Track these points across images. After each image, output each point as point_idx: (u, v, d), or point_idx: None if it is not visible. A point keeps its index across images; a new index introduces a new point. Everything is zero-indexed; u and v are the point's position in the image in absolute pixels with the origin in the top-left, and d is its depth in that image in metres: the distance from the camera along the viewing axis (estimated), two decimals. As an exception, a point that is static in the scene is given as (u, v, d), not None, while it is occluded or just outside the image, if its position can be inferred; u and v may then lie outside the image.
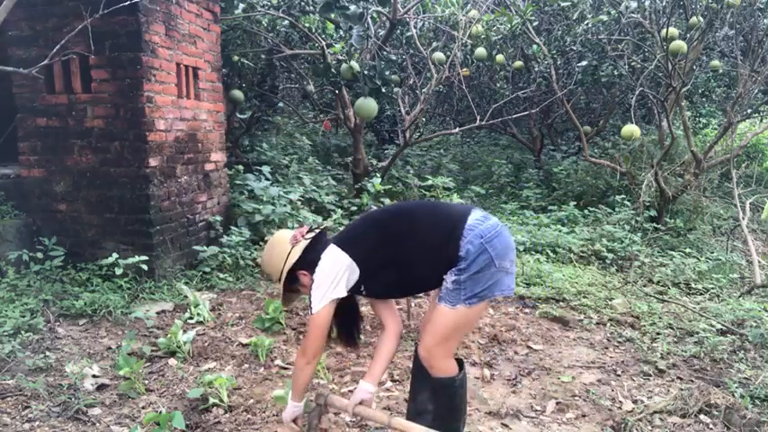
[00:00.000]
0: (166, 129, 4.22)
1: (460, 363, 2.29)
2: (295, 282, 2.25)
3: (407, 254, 2.14)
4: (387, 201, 6.01)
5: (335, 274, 2.14)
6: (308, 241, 2.23)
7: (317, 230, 2.30)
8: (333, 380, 2.96)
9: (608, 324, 3.82)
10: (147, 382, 2.87)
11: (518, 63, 7.61)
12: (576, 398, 2.86)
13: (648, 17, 5.99)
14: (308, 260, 2.19)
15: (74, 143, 4.11)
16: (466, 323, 2.18)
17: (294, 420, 2.35)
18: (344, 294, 2.17)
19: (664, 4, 6.16)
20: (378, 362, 2.33)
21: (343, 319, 2.35)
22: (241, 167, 5.62)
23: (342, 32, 6.78)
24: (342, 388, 2.89)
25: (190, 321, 3.62)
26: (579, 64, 7.11)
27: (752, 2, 6.72)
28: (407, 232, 2.17)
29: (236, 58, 5.85)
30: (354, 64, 5.39)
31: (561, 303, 4.15)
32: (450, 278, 2.10)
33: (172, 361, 3.11)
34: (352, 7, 5.12)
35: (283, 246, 2.24)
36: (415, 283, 2.26)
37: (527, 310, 4.07)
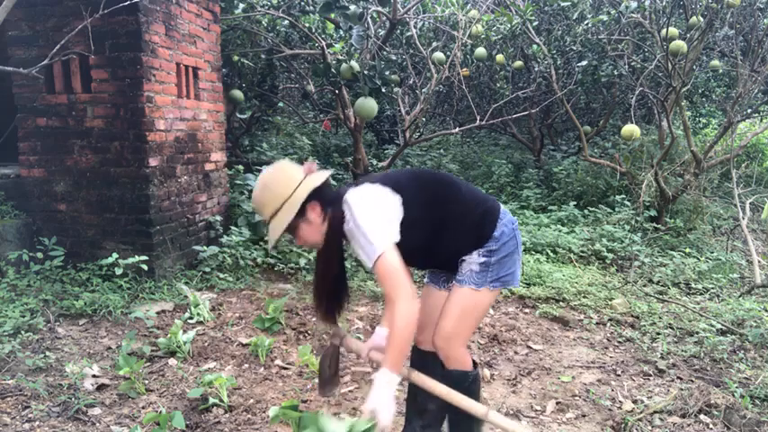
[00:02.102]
0: (166, 129, 4.22)
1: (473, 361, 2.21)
2: (300, 215, 1.91)
3: (446, 219, 2.01)
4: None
5: (387, 210, 1.92)
6: (329, 174, 1.99)
7: (328, 171, 2.03)
8: (333, 380, 2.96)
9: (608, 324, 3.82)
10: (147, 382, 2.87)
11: (518, 63, 7.61)
12: (576, 398, 2.86)
13: (648, 17, 5.99)
14: (325, 194, 1.94)
15: (74, 143, 4.11)
16: (484, 308, 2.11)
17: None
18: (398, 239, 1.88)
19: (664, 4, 6.16)
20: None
21: (332, 287, 2.10)
22: (241, 167, 5.62)
23: (342, 32, 6.78)
24: (342, 388, 2.89)
25: (190, 321, 3.62)
26: (579, 64, 7.11)
27: (752, 2, 6.72)
28: (452, 197, 2.05)
29: (236, 58, 5.85)
30: (354, 64, 5.39)
31: (561, 303, 4.15)
32: (477, 259, 2.03)
33: (172, 361, 3.11)
34: (352, 7, 5.12)
35: (293, 173, 1.94)
36: (437, 254, 2.09)
37: (527, 310, 4.07)
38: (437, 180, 2.11)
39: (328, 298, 2.11)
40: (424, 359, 2.24)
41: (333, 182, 6.44)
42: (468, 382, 2.12)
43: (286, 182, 1.91)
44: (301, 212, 1.90)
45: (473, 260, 2.04)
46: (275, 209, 1.90)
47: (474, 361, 2.19)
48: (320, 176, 1.94)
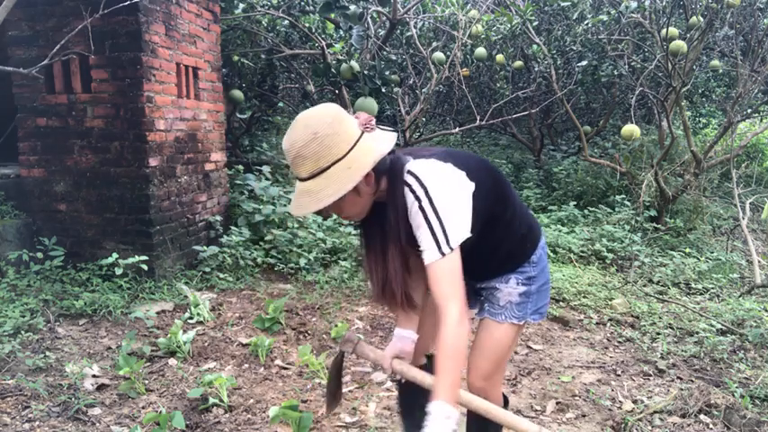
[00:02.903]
0: (166, 129, 4.22)
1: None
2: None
3: (499, 223, 1.72)
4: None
5: (465, 198, 1.57)
6: (395, 136, 1.58)
7: (390, 128, 1.63)
8: (333, 380, 2.96)
9: (608, 324, 3.82)
10: (147, 382, 2.87)
11: (518, 63, 7.61)
12: (576, 398, 2.86)
13: (648, 17, 5.99)
14: (381, 161, 1.52)
15: (74, 143, 4.11)
16: (518, 339, 1.92)
17: None
18: (469, 235, 1.55)
19: (664, 4, 6.16)
20: (416, 311, 1.85)
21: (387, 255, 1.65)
22: (241, 167, 5.62)
23: (342, 32, 6.78)
24: (343, 388, 2.89)
25: (190, 321, 3.62)
26: (579, 64, 7.11)
27: (752, 2, 6.72)
28: (511, 200, 1.77)
29: (236, 58, 5.85)
30: (354, 64, 5.39)
31: (561, 303, 4.15)
32: (516, 288, 1.78)
33: (172, 361, 3.11)
34: (352, 7, 5.12)
35: (353, 126, 1.51)
36: (476, 259, 1.70)
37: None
38: (502, 178, 1.79)
39: (398, 281, 1.67)
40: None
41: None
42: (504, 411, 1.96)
43: (343, 136, 1.46)
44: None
45: (512, 290, 1.79)
46: (321, 167, 1.46)
47: (505, 396, 1.99)
48: (384, 138, 1.54)
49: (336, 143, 1.45)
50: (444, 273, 1.51)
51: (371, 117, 1.56)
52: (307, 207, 1.49)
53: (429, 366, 1.95)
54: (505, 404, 1.97)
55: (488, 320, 1.83)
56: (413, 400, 1.93)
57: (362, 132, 1.51)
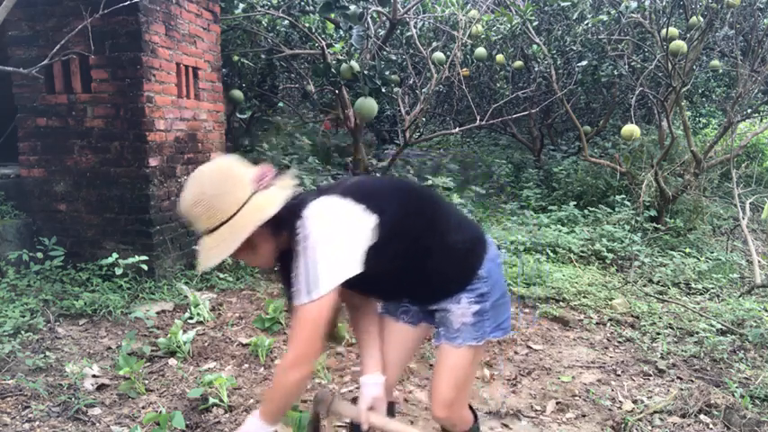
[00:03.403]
0: (166, 129, 4.22)
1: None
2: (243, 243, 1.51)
3: (431, 247, 1.66)
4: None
5: (356, 237, 1.52)
6: (288, 195, 1.53)
7: (289, 182, 1.58)
8: (333, 380, 2.96)
9: (608, 324, 3.82)
10: (147, 382, 2.87)
11: (518, 63, 7.62)
12: (576, 398, 2.86)
13: (648, 17, 5.99)
14: (277, 217, 1.49)
15: (74, 143, 4.11)
16: (480, 359, 1.86)
17: None
18: (359, 271, 1.52)
19: (664, 4, 6.16)
20: (375, 345, 1.83)
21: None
22: (241, 167, 5.61)
23: (342, 32, 6.78)
24: (342, 388, 2.89)
25: (190, 321, 3.62)
26: (579, 64, 7.11)
27: (752, 2, 6.72)
28: (439, 220, 1.70)
29: (236, 58, 5.85)
30: (354, 64, 5.39)
31: (561, 303, 4.15)
32: (469, 308, 1.69)
33: (172, 361, 3.11)
34: (352, 7, 5.12)
35: (242, 185, 1.48)
36: (412, 287, 1.74)
37: (527, 310, 4.07)
38: (423, 198, 1.73)
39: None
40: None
41: (333, 182, 6.43)
42: None
43: (230, 197, 1.46)
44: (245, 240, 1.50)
45: (464, 311, 1.69)
46: (208, 228, 1.48)
47: (473, 412, 1.96)
48: (275, 199, 1.49)
49: (222, 205, 1.46)
50: (304, 319, 1.49)
51: (267, 171, 1.53)
52: (200, 265, 1.53)
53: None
54: (475, 419, 1.92)
55: (445, 346, 1.75)
56: None
57: (255, 190, 1.49)
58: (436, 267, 1.68)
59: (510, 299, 1.81)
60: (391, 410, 1.97)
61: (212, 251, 1.48)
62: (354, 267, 1.51)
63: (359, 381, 1.86)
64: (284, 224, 1.53)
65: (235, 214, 1.46)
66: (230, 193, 1.46)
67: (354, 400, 2.69)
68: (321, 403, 1.75)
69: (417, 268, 1.67)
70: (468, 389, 1.83)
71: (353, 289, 1.68)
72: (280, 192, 1.52)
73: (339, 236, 1.51)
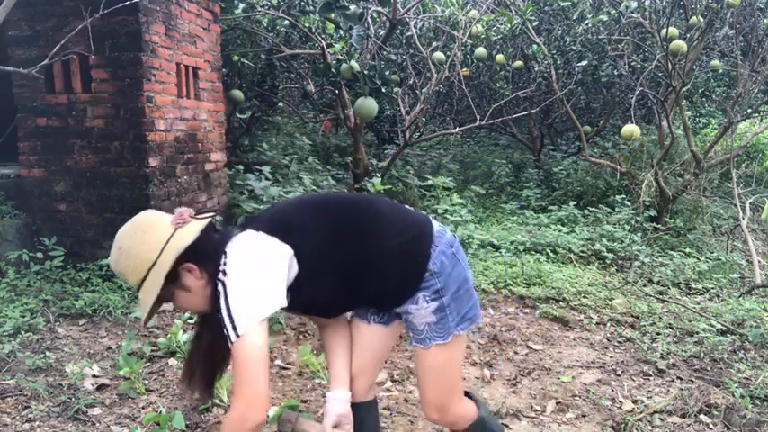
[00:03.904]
0: (166, 129, 4.22)
1: (468, 394, 1.91)
2: (173, 281, 1.51)
3: (367, 257, 1.62)
4: (387, 201, 6.00)
5: (273, 270, 1.51)
6: (205, 223, 1.54)
7: (209, 214, 1.59)
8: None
9: (608, 324, 3.82)
10: (147, 382, 2.87)
11: (518, 63, 7.62)
12: (576, 398, 2.86)
13: (648, 17, 5.99)
14: (201, 251, 1.50)
15: (74, 143, 4.11)
16: (460, 354, 1.78)
17: None
18: (285, 304, 1.51)
19: (664, 4, 6.17)
20: (342, 360, 1.81)
21: (217, 361, 1.65)
22: (241, 167, 5.62)
23: (342, 32, 6.78)
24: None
25: (190, 321, 3.62)
26: (579, 64, 7.11)
27: (752, 2, 6.73)
28: (370, 227, 1.65)
29: (236, 58, 5.85)
30: (354, 64, 5.39)
31: (561, 303, 4.15)
32: (427, 307, 1.65)
33: (172, 361, 3.11)
34: (352, 7, 5.12)
35: (160, 228, 1.51)
36: (361, 300, 1.73)
37: (527, 310, 4.07)
38: (346, 208, 1.69)
39: (206, 371, 1.66)
40: (359, 412, 1.84)
41: (333, 182, 6.44)
42: (485, 422, 1.87)
43: (149, 242, 1.48)
44: (173, 278, 1.50)
45: (423, 310, 1.66)
46: (140, 279, 1.49)
47: (474, 400, 1.91)
48: (192, 230, 1.50)
49: (145, 252, 1.47)
50: (237, 358, 1.44)
51: (185, 211, 1.55)
52: (142, 315, 1.54)
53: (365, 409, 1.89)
54: (478, 409, 1.87)
55: (417, 349, 1.73)
56: None
57: (174, 230, 1.50)
58: (379, 275, 1.64)
59: (472, 286, 1.74)
60: (374, 408, 1.95)
61: (143, 299, 1.50)
62: (276, 301, 1.48)
63: (326, 396, 1.84)
64: (210, 259, 1.51)
65: (159, 256, 1.47)
66: (150, 239, 1.48)
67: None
68: (287, 423, 1.75)
69: (359, 282, 1.63)
70: (454, 387, 1.79)
71: (307, 314, 1.72)
72: (198, 224, 1.53)
73: (254, 271, 1.48)
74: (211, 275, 1.52)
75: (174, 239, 1.48)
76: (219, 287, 1.48)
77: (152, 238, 1.49)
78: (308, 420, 1.78)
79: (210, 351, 1.60)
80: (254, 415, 1.42)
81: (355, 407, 1.83)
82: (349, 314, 1.90)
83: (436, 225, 1.73)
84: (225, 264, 1.49)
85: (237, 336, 1.42)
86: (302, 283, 1.56)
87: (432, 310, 1.66)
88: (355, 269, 1.62)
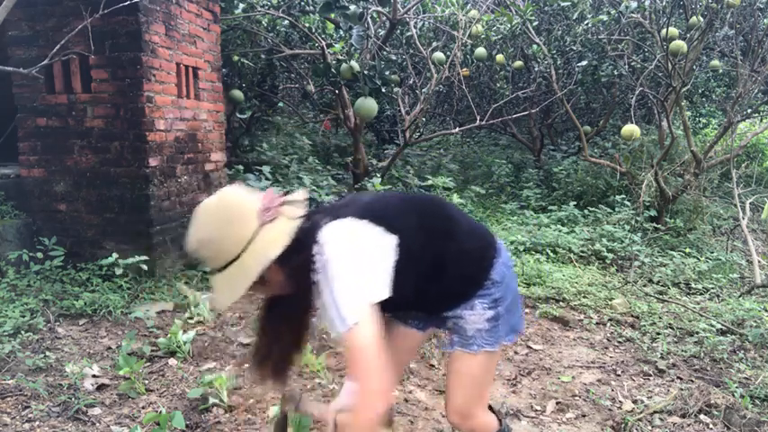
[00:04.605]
0: (166, 129, 4.22)
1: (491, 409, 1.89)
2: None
3: (445, 259, 1.61)
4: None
5: (379, 258, 1.46)
6: (295, 226, 1.46)
7: (299, 201, 1.51)
8: (332, 380, 2.96)
9: (608, 324, 3.82)
10: (147, 382, 2.87)
11: (518, 63, 7.62)
12: (576, 398, 2.86)
13: (648, 17, 5.99)
14: (287, 252, 1.42)
15: (74, 143, 4.11)
16: (494, 368, 1.76)
17: None
18: (388, 295, 1.45)
19: (664, 4, 6.16)
20: None
21: (289, 348, 1.63)
22: (241, 167, 5.62)
23: (342, 32, 6.78)
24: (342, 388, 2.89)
25: (190, 321, 3.62)
26: (579, 64, 7.11)
27: (752, 2, 6.73)
28: (452, 230, 1.65)
29: (236, 58, 5.85)
30: (354, 64, 5.39)
31: (561, 303, 4.15)
32: (483, 314, 1.65)
33: (172, 361, 3.11)
34: (352, 7, 5.12)
35: (246, 221, 1.42)
36: (429, 300, 1.68)
37: (527, 310, 4.07)
38: (435, 209, 1.69)
39: (280, 357, 1.63)
40: None
41: (333, 182, 6.43)
42: None
43: (232, 236, 1.40)
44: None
45: (478, 317, 1.66)
46: (216, 268, 1.45)
47: (497, 414, 1.90)
48: (281, 233, 1.42)
49: (228, 246, 1.41)
50: (351, 349, 1.39)
51: (274, 199, 1.45)
52: (215, 303, 1.49)
53: None
54: (500, 424, 1.86)
55: (460, 353, 1.70)
56: None
57: (261, 222, 1.42)
58: (451, 276, 1.63)
59: (520, 298, 1.79)
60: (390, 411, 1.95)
61: (223, 292, 1.45)
62: (382, 291, 1.43)
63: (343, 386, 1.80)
64: (296, 252, 1.44)
65: (241, 253, 1.40)
66: (235, 233, 1.40)
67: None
68: (290, 401, 1.73)
69: (434, 281, 1.61)
70: (484, 395, 1.79)
71: (395, 309, 1.65)
72: (287, 224, 1.44)
73: (362, 259, 1.44)
74: (299, 267, 1.46)
75: (260, 240, 1.40)
76: (317, 278, 1.43)
77: (238, 233, 1.40)
78: (311, 401, 1.75)
79: (282, 334, 1.57)
80: (373, 409, 1.38)
81: None
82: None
83: (499, 242, 1.76)
84: (320, 253, 1.43)
85: (347, 327, 1.37)
86: (394, 276, 1.49)
87: (486, 318, 1.66)
88: (432, 269, 1.59)
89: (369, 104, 5.41)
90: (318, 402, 1.80)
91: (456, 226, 1.67)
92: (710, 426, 2.58)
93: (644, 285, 4.63)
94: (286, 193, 1.48)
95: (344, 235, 1.46)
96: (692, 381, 3.01)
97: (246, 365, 3.10)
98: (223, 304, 1.46)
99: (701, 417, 2.64)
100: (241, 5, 5.81)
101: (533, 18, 7.02)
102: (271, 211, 1.43)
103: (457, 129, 7.41)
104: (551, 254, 5.17)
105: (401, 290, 1.50)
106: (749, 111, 7.71)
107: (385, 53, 6.11)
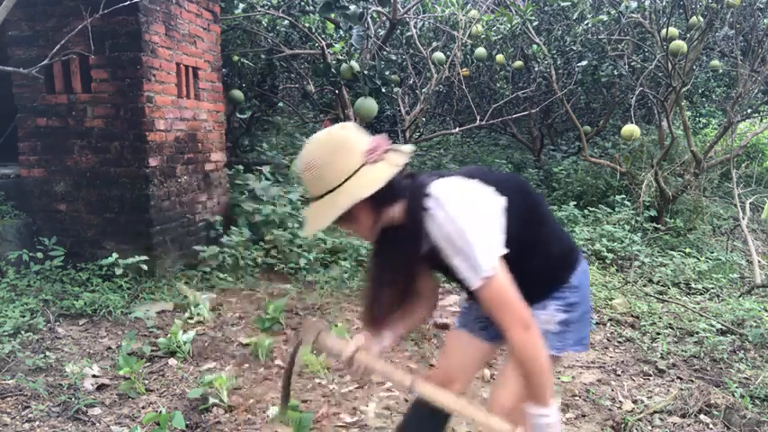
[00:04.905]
0: (166, 129, 4.22)
1: None
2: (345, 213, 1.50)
3: (536, 244, 1.61)
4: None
5: (493, 216, 1.49)
6: (394, 172, 1.47)
7: (404, 152, 1.53)
8: (333, 380, 2.96)
9: (608, 324, 3.82)
10: (147, 382, 2.87)
11: (518, 63, 7.62)
12: (576, 398, 2.86)
13: (648, 17, 5.99)
14: (380, 196, 1.45)
15: (74, 143, 4.11)
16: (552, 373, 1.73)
17: None
18: (504, 252, 1.48)
19: (664, 4, 6.16)
20: (400, 326, 1.75)
21: (396, 299, 1.65)
22: (241, 167, 5.62)
23: (342, 32, 6.78)
24: (342, 388, 2.89)
25: (190, 321, 3.62)
26: (579, 64, 7.11)
27: (752, 2, 6.73)
28: (546, 219, 1.67)
29: (236, 58, 5.85)
30: (354, 64, 5.39)
31: (561, 303, 4.15)
32: (555, 316, 1.64)
33: (172, 361, 3.11)
34: (352, 7, 5.12)
35: (351, 156, 1.46)
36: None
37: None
38: (535, 194, 1.68)
39: (387, 303, 1.66)
40: (442, 415, 1.79)
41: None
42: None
43: (334, 167, 1.45)
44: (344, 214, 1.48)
45: (550, 317, 1.64)
46: (315, 196, 1.51)
47: None
48: (379, 175, 1.45)
49: (329, 175, 1.46)
50: (493, 298, 1.45)
51: (381, 143, 1.49)
52: (306, 229, 1.55)
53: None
54: None
55: None
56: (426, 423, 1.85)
57: (363, 164, 1.46)
58: (534, 268, 1.62)
59: (592, 316, 1.75)
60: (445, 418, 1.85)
61: (314, 219, 1.50)
62: (501, 247, 1.47)
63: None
64: (407, 199, 1.50)
65: (340, 185, 1.45)
66: (338, 164, 1.45)
67: (354, 400, 2.68)
68: (310, 332, 1.65)
69: (518, 265, 1.57)
70: None
71: (452, 278, 1.62)
72: (387, 169, 1.47)
73: (484, 214, 1.48)
74: (408, 217, 1.50)
75: (357, 178, 1.45)
76: (435, 231, 1.46)
77: (341, 165, 1.45)
78: (332, 337, 1.68)
79: (385, 281, 1.61)
80: (536, 335, 1.45)
81: (432, 413, 1.78)
82: (455, 322, 1.91)
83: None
84: (436, 206, 1.46)
85: (485, 274, 1.42)
86: None
87: (557, 321, 1.65)
88: (523, 251, 1.58)
89: (369, 104, 5.40)
90: (337, 339, 1.69)
91: (549, 217, 1.68)
92: (710, 426, 2.58)
93: (644, 285, 4.63)
94: (394, 143, 1.52)
95: (459, 190, 1.49)
96: (692, 381, 3.01)
97: (246, 366, 3.10)
98: (311, 231, 1.52)
99: (701, 417, 2.64)
100: (241, 5, 5.81)
101: (533, 18, 7.02)
102: (375, 153, 1.47)
103: (457, 129, 7.41)
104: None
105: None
106: (749, 111, 7.71)
107: (385, 53, 6.11)
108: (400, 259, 1.57)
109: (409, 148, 1.56)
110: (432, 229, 1.48)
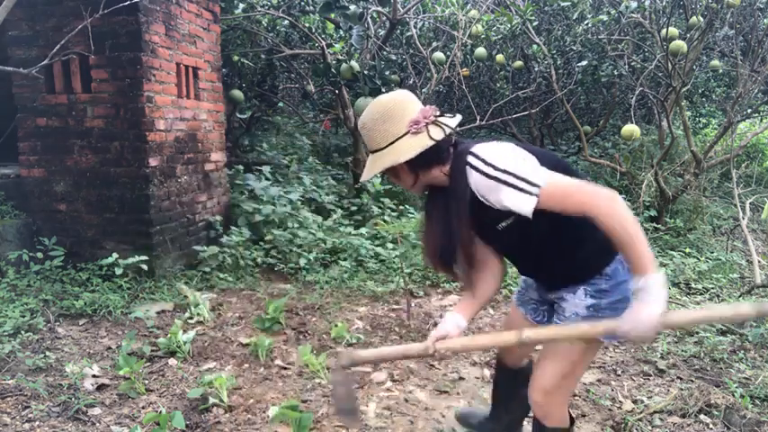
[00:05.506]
0: (166, 129, 4.23)
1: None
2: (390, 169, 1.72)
3: (582, 223, 1.60)
4: (387, 200, 6.01)
5: (531, 159, 1.62)
6: (430, 144, 1.63)
7: (449, 125, 1.68)
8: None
9: (608, 324, 3.81)
10: (147, 382, 2.87)
11: (518, 63, 7.61)
12: (576, 398, 2.86)
13: (648, 17, 5.99)
14: (416, 160, 1.65)
15: (74, 143, 4.11)
16: (591, 358, 1.82)
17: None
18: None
19: (664, 4, 6.16)
20: (476, 299, 1.85)
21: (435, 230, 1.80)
22: (241, 167, 5.62)
23: (342, 32, 6.78)
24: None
25: (190, 321, 3.62)
26: (579, 64, 7.11)
27: (752, 2, 6.72)
28: None
29: (236, 58, 5.85)
30: (354, 64, 5.39)
31: (561, 303, 4.15)
32: (583, 300, 1.72)
33: (172, 361, 3.11)
34: (352, 7, 5.12)
35: (398, 123, 1.66)
36: (553, 256, 1.76)
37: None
38: (576, 173, 1.74)
39: (446, 244, 1.76)
40: (511, 378, 2.16)
41: (333, 182, 6.43)
42: None
43: (382, 133, 1.67)
44: (391, 168, 1.70)
45: (579, 301, 1.73)
46: (370, 150, 1.73)
47: (571, 416, 1.97)
48: (417, 143, 1.62)
49: (378, 137, 1.68)
50: (559, 195, 1.54)
51: (426, 115, 1.65)
52: (363, 176, 1.78)
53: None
54: (571, 424, 1.93)
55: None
56: (511, 388, 2.17)
57: (406, 132, 1.65)
58: (573, 246, 1.71)
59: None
60: (520, 375, 2.16)
61: (367, 169, 1.74)
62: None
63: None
64: (438, 164, 1.68)
65: (383, 148, 1.68)
66: (385, 130, 1.67)
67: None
68: (342, 357, 1.82)
69: (561, 241, 1.70)
70: (570, 384, 1.85)
71: (502, 248, 1.81)
72: (423, 141, 1.63)
73: (523, 157, 1.60)
74: (436, 176, 1.71)
75: (397, 146, 1.65)
76: (488, 175, 1.58)
77: (388, 131, 1.67)
78: (360, 351, 1.84)
79: (437, 229, 1.76)
80: (620, 204, 1.51)
81: (503, 371, 2.19)
82: (514, 298, 2.11)
83: None
84: (478, 158, 1.60)
85: (539, 190, 1.53)
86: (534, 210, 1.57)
87: (586, 305, 1.72)
88: (567, 229, 1.67)
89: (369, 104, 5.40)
90: (363, 350, 1.88)
91: None
92: (710, 426, 2.58)
93: (644, 285, 4.62)
94: (442, 114, 1.70)
95: (500, 147, 1.63)
96: (692, 381, 3.01)
97: (246, 366, 3.10)
98: (364, 179, 1.78)
99: (701, 417, 2.64)
100: (241, 5, 5.81)
101: (533, 18, 7.02)
102: (419, 124, 1.65)
103: (457, 128, 7.40)
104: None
105: (535, 229, 1.64)
106: (749, 111, 7.71)
107: (385, 53, 6.11)
108: (450, 216, 1.70)
109: (457, 118, 1.71)
110: (474, 181, 1.61)
